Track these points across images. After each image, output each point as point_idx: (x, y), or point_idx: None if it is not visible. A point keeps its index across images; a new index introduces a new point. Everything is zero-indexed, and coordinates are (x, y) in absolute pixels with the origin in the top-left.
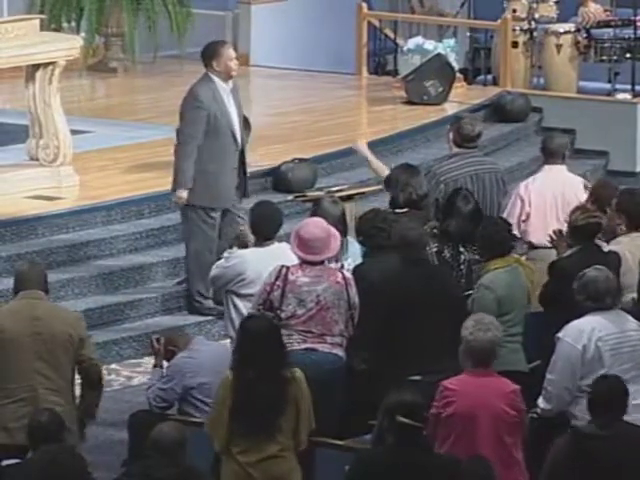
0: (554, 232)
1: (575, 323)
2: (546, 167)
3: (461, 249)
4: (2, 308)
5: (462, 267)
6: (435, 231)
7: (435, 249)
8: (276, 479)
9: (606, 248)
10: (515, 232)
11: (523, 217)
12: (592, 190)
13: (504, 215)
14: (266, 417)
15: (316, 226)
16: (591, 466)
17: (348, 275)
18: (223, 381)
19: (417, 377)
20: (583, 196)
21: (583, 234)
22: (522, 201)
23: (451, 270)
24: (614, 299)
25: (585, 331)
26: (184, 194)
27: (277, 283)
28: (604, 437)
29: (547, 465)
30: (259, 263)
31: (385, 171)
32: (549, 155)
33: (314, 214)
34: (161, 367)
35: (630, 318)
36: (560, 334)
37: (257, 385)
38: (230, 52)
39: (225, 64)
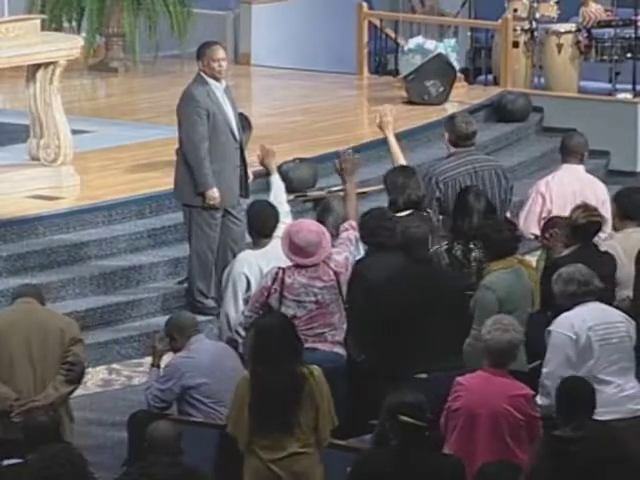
0: (550, 234)
1: (564, 315)
2: (564, 166)
3: (471, 246)
4: None
5: (473, 264)
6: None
7: (446, 247)
8: (298, 475)
9: (602, 247)
10: (535, 230)
11: (544, 214)
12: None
13: (523, 213)
14: (284, 413)
15: (309, 231)
16: (570, 468)
17: (336, 268)
18: (241, 380)
19: (423, 375)
20: (603, 196)
21: (584, 233)
22: (543, 198)
23: (461, 267)
24: (598, 282)
25: (575, 321)
26: (215, 193)
27: (274, 287)
28: (579, 439)
29: (527, 471)
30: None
31: (400, 159)
32: (567, 154)
33: (322, 213)
34: (159, 367)
35: (616, 310)
36: (551, 327)
37: (273, 381)
38: (215, 53)
39: (208, 65)
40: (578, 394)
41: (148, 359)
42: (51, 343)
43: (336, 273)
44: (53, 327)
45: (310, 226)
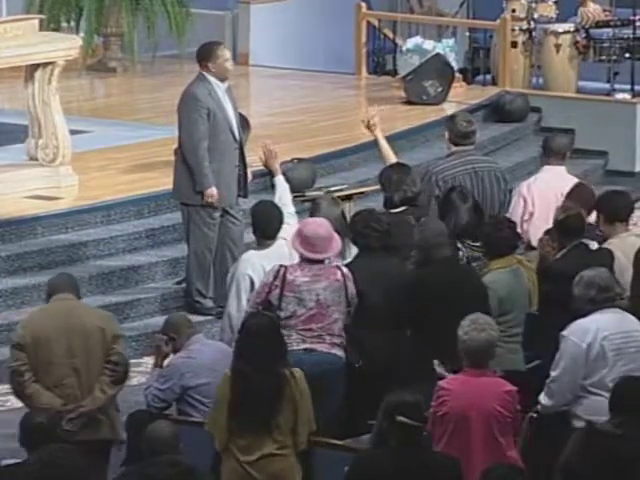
0: (539, 240)
1: (580, 322)
2: (546, 167)
3: (459, 245)
4: (36, 309)
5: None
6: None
7: None
8: (274, 477)
9: (594, 246)
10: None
11: (526, 217)
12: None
13: (507, 214)
14: (263, 414)
15: (320, 225)
16: (604, 463)
17: (346, 270)
18: (222, 379)
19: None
20: None
21: (567, 230)
22: (525, 201)
23: None
24: (619, 288)
25: (590, 330)
26: (214, 191)
27: (275, 283)
28: (618, 435)
29: (562, 460)
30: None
31: (392, 158)
32: (550, 155)
33: (312, 214)
34: (161, 367)
35: (633, 318)
36: (565, 332)
37: (254, 381)
38: (225, 53)
39: (220, 65)
40: (629, 393)
41: (147, 359)
42: (93, 345)
43: (344, 276)
44: (93, 328)
45: (322, 222)
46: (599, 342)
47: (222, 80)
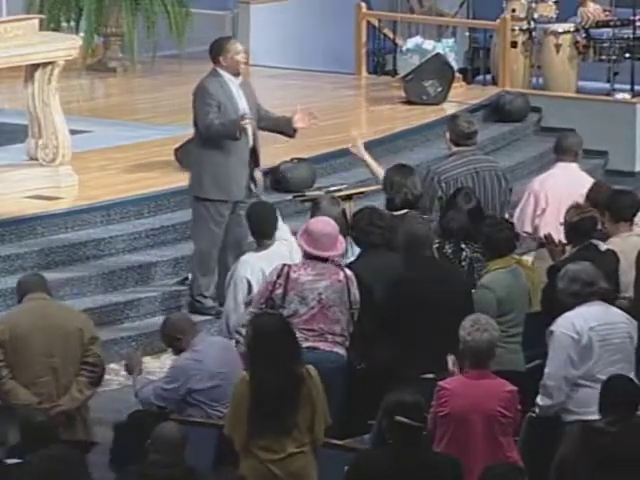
0: (545, 237)
1: (567, 315)
2: (559, 164)
3: (462, 246)
4: (13, 309)
5: (463, 264)
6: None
7: (437, 245)
8: (294, 475)
9: (603, 247)
10: (528, 228)
11: (538, 212)
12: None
13: (517, 212)
14: (282, 414)
15: (327, 223)
16: (599, 461)
17: (349, 273)
18: (239, 381)
19: (430, 375)
20: None
21: (579, 231)
22: (537, 197)
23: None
24: (604, 283)
25: (577, 321)
26: (247, 112)
27: (279, 281)
28: (613, 433)
29: (557, 459)
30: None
31: (383, 173)
32: (562, 153)
33: (313, 214)
34: (140, 373)
35: (618, 311)
36: (552, 327)
37: (272, 383)
38: (236, 47)
39: (232, 59)
40: (619, 391)
41: (146, 359)
42: (72, 345)
43: (347, 277)
44: (72, 328)
45: (328, 220)
46: (587, 333)
47: (235, 75)
